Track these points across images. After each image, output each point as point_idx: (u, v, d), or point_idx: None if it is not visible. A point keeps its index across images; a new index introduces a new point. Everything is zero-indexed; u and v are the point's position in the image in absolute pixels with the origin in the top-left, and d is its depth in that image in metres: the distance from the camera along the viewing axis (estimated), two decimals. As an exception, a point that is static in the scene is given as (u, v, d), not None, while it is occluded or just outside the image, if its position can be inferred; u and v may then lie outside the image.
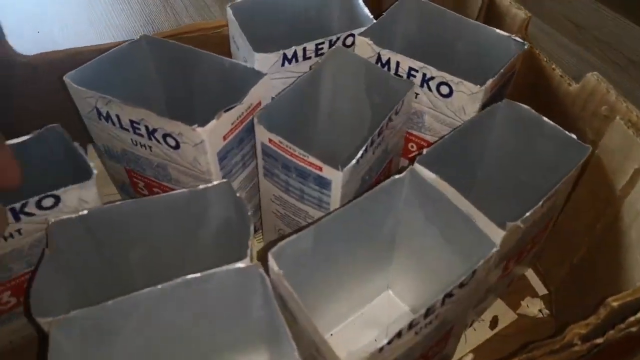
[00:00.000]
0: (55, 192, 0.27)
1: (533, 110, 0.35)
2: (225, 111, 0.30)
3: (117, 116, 0.31)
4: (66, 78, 0.31)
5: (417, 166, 0.30)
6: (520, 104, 0.35)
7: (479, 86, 0.34)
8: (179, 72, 0.37)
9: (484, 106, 0.36)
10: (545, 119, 0.34)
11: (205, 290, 0.25)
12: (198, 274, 0.25)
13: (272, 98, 0.35)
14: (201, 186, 0.28)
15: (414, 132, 0.40)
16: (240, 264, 0.25)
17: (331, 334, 0.36)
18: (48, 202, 0.26)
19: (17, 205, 0.26)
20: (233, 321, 0.28)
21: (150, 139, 0.31)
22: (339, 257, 0.31)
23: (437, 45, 0.42)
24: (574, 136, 0.33)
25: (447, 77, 0.35)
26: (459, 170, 0.37)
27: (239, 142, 0.33)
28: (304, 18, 0.44)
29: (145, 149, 0.33)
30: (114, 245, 0.29)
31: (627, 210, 0.30)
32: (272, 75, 0.38)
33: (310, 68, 0.39)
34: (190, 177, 0.33)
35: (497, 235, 0.28)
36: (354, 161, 0.30)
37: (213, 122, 0.29)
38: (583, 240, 0.35)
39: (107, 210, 0.28)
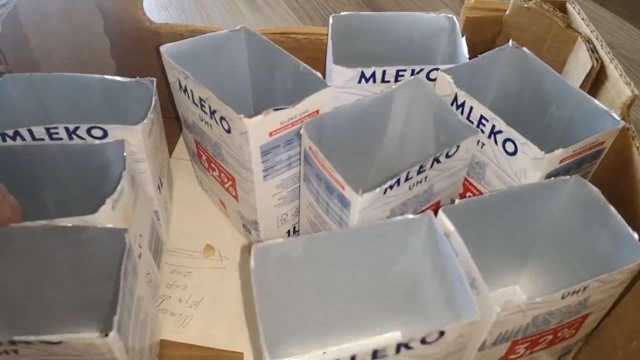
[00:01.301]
0: (103, 126, 0.31)
1: (601, 195, 0.32)
2: (275, 110, 0.31)
3: (191, 91, 0.35)
4: (162, 48, 0.36)
5: (440, 213, 0.29)
6: (590, 185, 0.32)
7: (543, 152, 0.32)
8: (266, 65, 0.40)
9: (550, 176, 0.33)
10: (612, 208, 0.31)
11: (76, 241, 0.28)
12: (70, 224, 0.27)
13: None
14: (97, 142, 0.32)
15: (474, 183, 0.38)
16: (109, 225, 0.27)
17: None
18: (97, 132, 0.31)
19: (71, 127, 0.31)
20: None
21: (211, 117, 0.34)
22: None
23: (531, 101, 0.40)
24: (636, 236, 0.29)
25: (514, 134, 0.33)
26: (497, 231, 0.35)
27: (287, 143, 0.34)
28: (408, 44, 0.44)
29: (208, 126, 0.36)
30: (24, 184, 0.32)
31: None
32: (348, 90, 0.39)
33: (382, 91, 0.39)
34: (236, 162, 0.35)
35: (490, 308, 0.26)
36: (376, 190, 0.30)
37: (259, 117, 0.31)
38: (617, 354, 0.31)
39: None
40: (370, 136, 0.39)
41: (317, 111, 0.35)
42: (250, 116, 0.31)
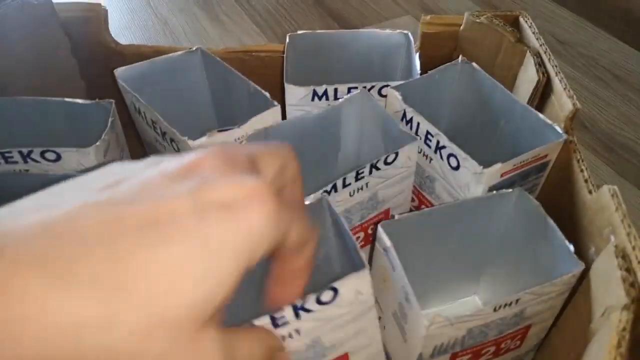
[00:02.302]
0: (57, 149, 0.32)
1: (541, 208, 0.32)
2: (219, 131, 0.32)
3: (144, 113, 0.36)
4: (116, 72, 0.37)
5: (379, 229, 0.30)
6: (531, 198, 0.33)
7: (482, 167, 0.32)
8: (224, 86, 0.41)
9: (492, 189, 0.34)
10: (550, 221, 0.32)
11: None
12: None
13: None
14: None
15: (426, 196, 0.39)
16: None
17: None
18: (51, 156, 0.32)
19: (25, 150, 0.32)
20: None
21: (163, 139, 0.36)
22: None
23: (482, 116, 0.41)
24: (572, 249, 0.30)
25: (456, 149, 0.34)
26: (446, 244, 0.35)
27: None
28: (367, 61, 0.45)
29: (162, 147, 0.37)
30: None
31: (591, 346, 0.27)
32: (302, 107, 0.40)
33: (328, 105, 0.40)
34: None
35: (420, 325, 0.27)
36: (311, 196, 0.30)
37: (202, 139, 0.32)
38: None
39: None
40: (323, 151, 0.40)
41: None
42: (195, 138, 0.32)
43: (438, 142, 0.35)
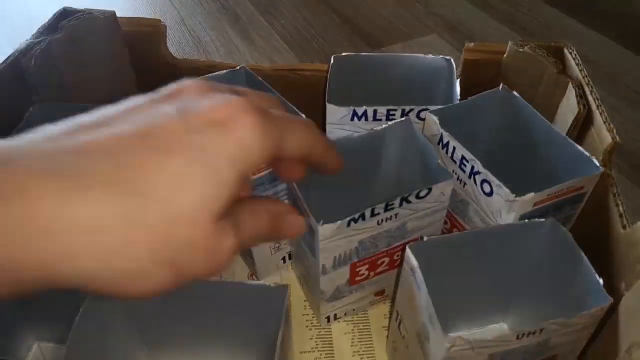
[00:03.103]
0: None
1: (573, 240, 0.32)
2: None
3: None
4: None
5: (407, 250, 0.31)
6: (563, 229, 0.33)
7: (514, 195, 0.33)
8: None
9: (524, 218, 0.34)
10: (582, 253, 0.32)
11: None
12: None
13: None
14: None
15: (459, 219, 0.40)
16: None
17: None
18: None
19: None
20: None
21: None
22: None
23: (521, 144, 0.41)
24: (601, 282, 0.30)
25: (489, 176, 0.34)
26: (476, 268, 0.36)
27: (272, 180, 0.37)
28: (408, 84, 0.46)
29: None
30: None
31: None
32: (342, 126, 0.42)
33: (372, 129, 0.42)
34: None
35: (441, 346, 0.27)
36: (338, 222, 0.32)
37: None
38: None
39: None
40: (364, 171, 0.41)
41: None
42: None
43: (473, 167, 0.36)
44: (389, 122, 0.39)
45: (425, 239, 0.32)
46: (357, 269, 0.38)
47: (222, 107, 0.19)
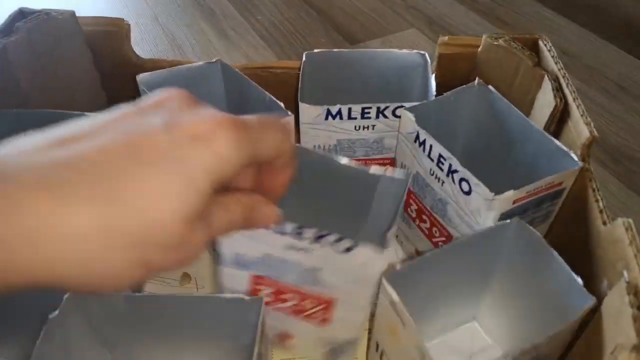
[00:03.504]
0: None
1: (543, 239, 0.32)
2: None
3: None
4: (138, 77, 0.38)
5: (383, 282, 0.29)
6: (531, 229, 0.32)
7: (493, 194, 0.32)
8: (241, 98, 0.41)
9: (504, 216, 0.33)
10: (554, 252, 0.31)
11: None
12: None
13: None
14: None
15: (439, 219, 0.39)
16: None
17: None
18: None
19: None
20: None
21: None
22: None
23: (498, 140, 0.40)
24: (580, 282, 0.29)
25: (467, 174, 0.33)
26: (447, 280, 0.35)
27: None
28: (383, 80, 0.45)
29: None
30: None
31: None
32: (317, 126, 0.41)
33: (355, 128, 0.41)
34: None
35: None
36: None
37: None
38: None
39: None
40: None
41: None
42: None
43: (450, 165, 0.35)
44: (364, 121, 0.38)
45: (398, 267, 0.30)
46: None
47: (205, 122, 0.20)
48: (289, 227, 0.27)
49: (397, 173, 0.30)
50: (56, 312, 0.27)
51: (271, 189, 0.26)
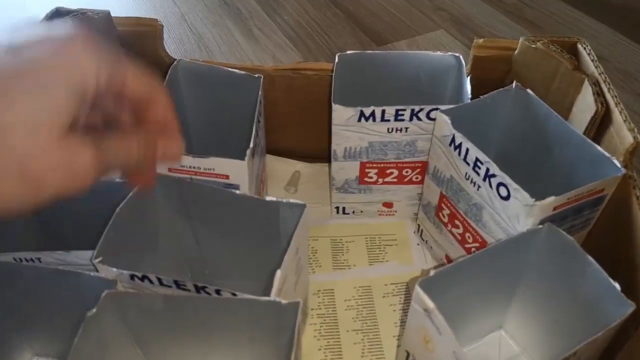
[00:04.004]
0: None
1: (576, 244, 0.31)
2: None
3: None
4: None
5: (417, 289, 0.29)
6: (564, 234, 0.31)
7: (533, 200, 0.31)
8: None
9: (544, 222, 0.32)
10: (589, 258, 0.30)
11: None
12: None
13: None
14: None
15: (472, 224, 0.38)
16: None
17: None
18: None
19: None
20: None
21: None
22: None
23: (535, 144, 0.39)
24: (617, 287, 0.28)
25: (507, 179, 0.33)
26: (477, 287, 0.34)
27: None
28: (416, 82, 0.45)
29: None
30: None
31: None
32: (349, 127, 0.40)
33: (388, 130, 0.40)
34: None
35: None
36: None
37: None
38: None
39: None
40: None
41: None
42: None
43: (487, 170, 0.34)
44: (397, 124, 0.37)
45: (432, 273, 0.30)
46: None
47: (58, 42, 0.22)
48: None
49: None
50: (94, 310, 0.27)
51: (159, 125, 0.27)
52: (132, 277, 0.30)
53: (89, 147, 0.23)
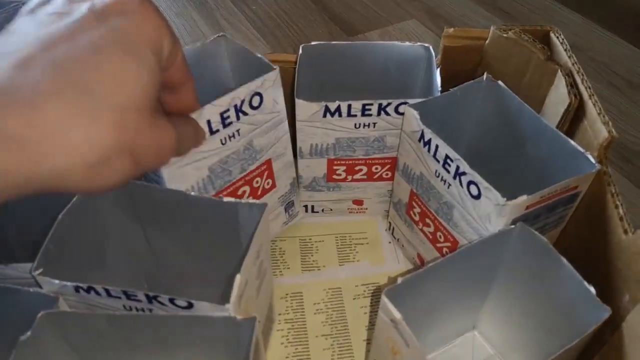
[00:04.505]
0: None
1: (550, 245, 0.30)
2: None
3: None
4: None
5: (383, 298, 0.27)
6: (537, 234, 0.30)
7: (505, 199, 0.29)
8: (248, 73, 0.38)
9: (516, 221, 0.31)
10: (563, 259, 0.29)
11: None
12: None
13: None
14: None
15: (443, 223, 0.36)
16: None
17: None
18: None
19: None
20: None
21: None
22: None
23: (507, 139, 0.38)
24: (592, 291, 0.27)
25: (477, 177, 0.31)
26: (448, 291, 0.33)
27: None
28: (384, 74, 0.43)
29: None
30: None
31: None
32: (314, 123, 0.38)
33: (355, 125, 0.38)
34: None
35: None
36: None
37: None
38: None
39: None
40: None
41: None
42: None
43: (458, 167, 0.32)
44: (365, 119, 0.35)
45: (399, 280, 0.28)
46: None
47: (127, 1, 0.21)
48: None
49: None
50: (28, 333, 0.24)
51: (186, 106, 0.28)
52: (77, 289, 0.27)
53: (171, 129, 0.23)
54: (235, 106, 0.33)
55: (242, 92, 0.33)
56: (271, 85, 0.34)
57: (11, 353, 0.23)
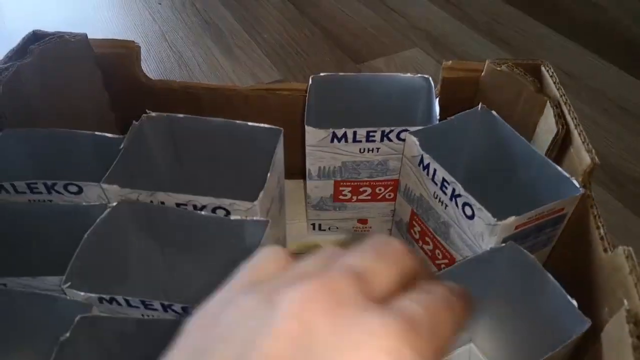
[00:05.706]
0: (79, 183, 0.34)
1: (537, 262, 0.32)
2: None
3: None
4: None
5: None
6: (525, 252, 0.33)
7: (495, 219, 0.32)
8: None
9: (506, 241, 0.34)
10: (549, 275, 0.31)
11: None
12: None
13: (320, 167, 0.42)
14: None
15: (441, 241, 0.39)
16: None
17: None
18: (73, 189, 0.34)
19: (49, 182, 0.34)
20: None
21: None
22: None
23: (500, 165, 0.41)
24: (575, 305, 0.30)
25: (470, 199, 0.34)
26: None
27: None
28: (387, 104, 0.46)
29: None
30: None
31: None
32: (322, 148, 0.41)
33: (360, 150, 0.41)
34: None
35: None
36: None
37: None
38: None
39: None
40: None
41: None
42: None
43: (454, 190, 0.35)
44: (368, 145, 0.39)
45: None
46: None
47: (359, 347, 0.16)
48: None
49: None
50: (67, 334, 0.27)
51: None
52: (100, 300, 0.30)
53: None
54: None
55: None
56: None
57: (52, 351, 0.26)
